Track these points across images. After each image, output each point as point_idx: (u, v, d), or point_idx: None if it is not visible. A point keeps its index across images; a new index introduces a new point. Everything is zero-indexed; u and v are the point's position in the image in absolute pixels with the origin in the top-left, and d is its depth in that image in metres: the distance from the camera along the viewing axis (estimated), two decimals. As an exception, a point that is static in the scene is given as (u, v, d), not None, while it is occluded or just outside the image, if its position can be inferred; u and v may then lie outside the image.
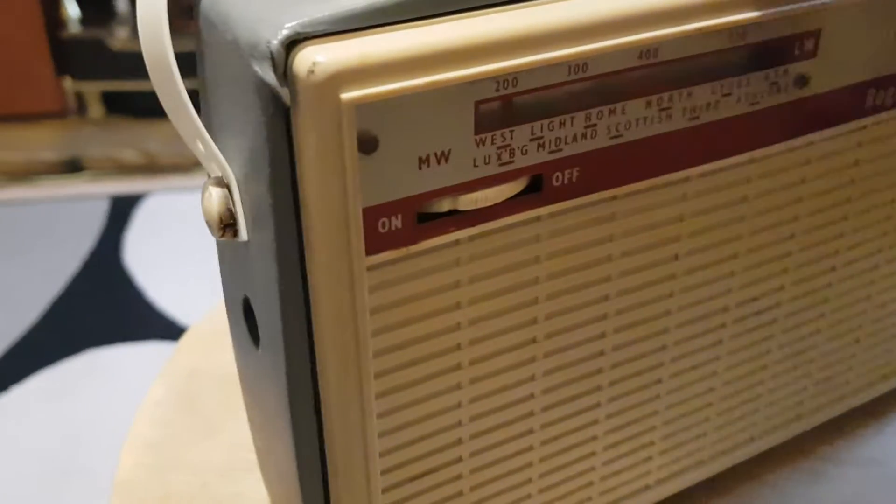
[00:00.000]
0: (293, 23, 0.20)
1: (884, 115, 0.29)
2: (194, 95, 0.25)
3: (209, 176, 0.24)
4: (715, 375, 0.31)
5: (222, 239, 0.24)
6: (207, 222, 0.24)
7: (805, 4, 0.25)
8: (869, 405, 0.37)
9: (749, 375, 0.32)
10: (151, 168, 1.41)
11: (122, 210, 1.33)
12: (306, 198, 0.21)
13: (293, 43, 0.20)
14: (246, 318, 0.27)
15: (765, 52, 0.25)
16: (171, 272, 1.18)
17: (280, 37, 0.19)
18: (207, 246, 1.21)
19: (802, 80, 0.26)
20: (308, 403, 0.24)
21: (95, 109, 1.50)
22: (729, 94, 0.25)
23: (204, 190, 0.24)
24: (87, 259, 1.23)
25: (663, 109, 0.24)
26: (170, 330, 1.08)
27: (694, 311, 0.29)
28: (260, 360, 0.26)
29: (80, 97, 1.49)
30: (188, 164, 1.41)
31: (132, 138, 1.44)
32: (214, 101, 0.24)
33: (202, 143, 0.23)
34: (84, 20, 1.47)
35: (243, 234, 0.23)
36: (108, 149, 1.42)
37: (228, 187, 0.23)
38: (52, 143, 1.45)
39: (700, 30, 0.23)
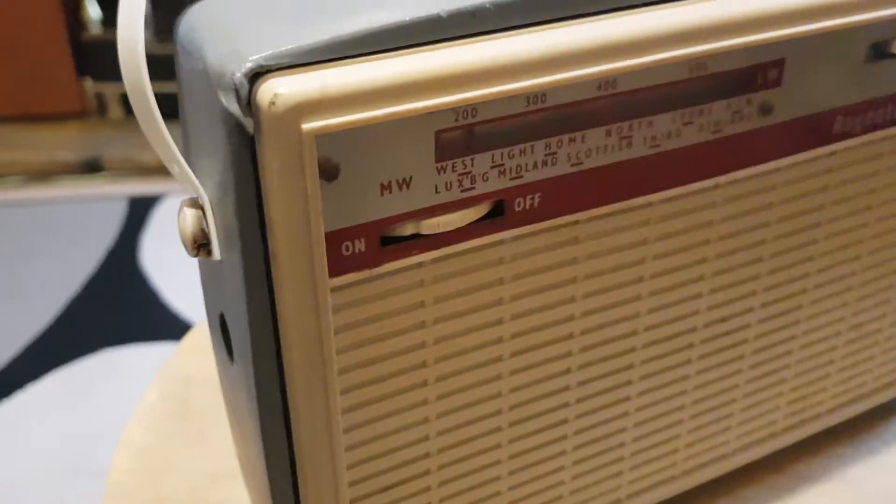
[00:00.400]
0: (257, 56, 0.20)
1: (852, 142, 0.30)
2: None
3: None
4: (684, 394, 0.31)
5: (197, 257, 0.25)
6: (182, 241, 0.25)
7: (767, 35, 0.25)
8: (845, 425, 0.38)
9: (720, 394, 0.32)
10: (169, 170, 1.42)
11: (139, 211, 1.35)
12: (271, 222, 0.22)
13: (256, 75, 0.20)
14: (223, 332, 0.28)
15: (727, 81, 0.26)
16: (186, 274, 1.19)
17: (243, 69, 0.20)
18: (223, 249, 1.22)
19: (766, 109, 0.27)
20: (277, 416, 0.25)
21: (115, 111, 1.52)
22: (690, 123, 0.26)
23: (179, 210, 0.25)
24: (104, 259, 1.24)
25: (624, 138, 0.25)
26: (184, 331, 1.10)
27: (661, 331, 0.29)
28: (235, 373, 0.27)
29: (100, 98, 1.50)
30: (206, 167, 1.42)
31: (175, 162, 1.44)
32: (190, 123, 0.25)
33: (177, 165, 0.24)
34: (105, 21, 1.48)
35: (216, 253, 0.24)
36: (127, 150, 1.44)
37: (202, 208, 0.24)
38: (72, 143, 1.47)
39: (658, 62, 0.24)
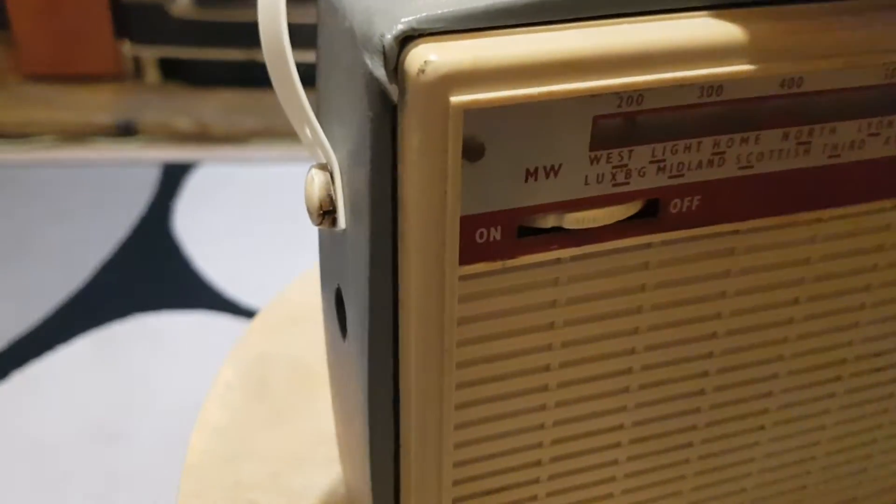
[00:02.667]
0: (409, 18, 0.19)
1: None
2: (311, 68, 0.25)
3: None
4: (823, 429, 0.29)
5: (320, 226, 0.23)
6: (307, 207, 0.23)
7: (981, 42, 0.22)
8: None
9: (859, 434, 0.29)
10: (204, 137, 1.41)
11: (173, 178, 1.33)
12: (405, 198, 0.20)
13: (407, 39, 0.19)
14: (337, 307, 0.26)
15: (927, 91, 0.23)
16: (219, 243, 1.18)
17: (394, 31, 0.19)
18: (257, 218, 1.20)
19: (967, 126, 0.24)
20: (387, 403, 0.24)
21: (152, 75, 1.51)
22: (877, 134, 0.23)
23: (308, 174, 0.23)
24: (137, 225, 1.24)
25: (801, 143, 0.22)
26: (215, 301, 1.08)
27: (808, 360, 0.27)
28: (346, 351, 0.26)
29: (137, 62, 1.50)
30: (242, 135, 1.40)
31: (187, 106, 1.44)
32: (326, 85, 0.24)
33: (309, 129, 0.22)
34: None
35: (341, 222, 0.23)
36: (162, 115, 1.43)
37: (332, 174, 0.23)
38: (107, 105, 1.48)
39: (850, 63, 0.21)
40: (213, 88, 1.47)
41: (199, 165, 1.36)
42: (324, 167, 0.23)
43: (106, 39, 1.48)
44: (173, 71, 1.51)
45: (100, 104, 1.49)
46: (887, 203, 0.24)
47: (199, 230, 1.21)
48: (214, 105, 1.44)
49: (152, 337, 1.06)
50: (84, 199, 1.30)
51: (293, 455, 0.36)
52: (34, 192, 1.33)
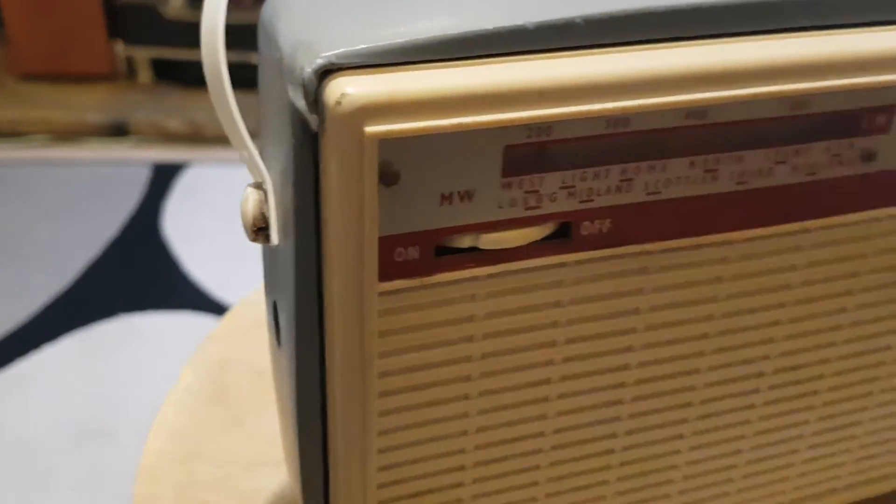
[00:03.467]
0: (328, 52, 0.20)
1: (964, 198, 0.27)
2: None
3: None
4: (742, 439, 0.30)
5: (255, 241, 0.25)
6: (243, 223, 0.24)
7: (881, 78, 0.23)
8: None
9: (784, 442, 0.31)
10: (195, 138, 1.41)
11: (163, 178, 1.33)
12: (326, 218, 0.21)
13: (326, 72, 0.20)
14: (275, 316, 0.28)
15: (829, 123, 0.24)
16: (207, 244, 1.18)
17: (314, 65, 0.20)
18: (245, 221, 1.21)
19: (869, 155, 0.25)
20: (315, 409, 0.25)
21: (144, 75, 1.51)
22: (783, 163, 0.24)
23: (244, 192, 0.24)
24: (126, 224, 1.24)
25: (708, 171, 0.23)
26: (202, 302, 1.09)
27: (726, 373, 0.28)
28: (281, 359, 0.27)
29: (130, 62, 1.50)
30: (232, 138, 1.41)
31: (179, 107, 1.44)
32: (265, 107, 0.25)
33: (246, 150, 0.24)
34: None
35: (274, 238, 0.24)
36: (154, 115, 1.43)
37: (266, 193, 0.24)
38: (100, 105, 1.48)
39: (755, 96, 0.22)
40: (205, 89, 1.46)
41: (190, 166, 1.37)
42: (259, 186, 0.24)
43: (99, 40, 1.48)
44: (166, 72, 1.51)
45: (92, 104, 1.49)
46: (796, 226, 0.25)
47: (187, 231, 1.22)
48: (206, 106, 1.45)
49: (138, 337, 1.07)
50: (75, 198, 1.31)
51: (247, 457, 0.37)
52: (26, 190, 1.34)
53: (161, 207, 1.28)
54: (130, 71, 1.52)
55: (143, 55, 1.50)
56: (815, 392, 0.30)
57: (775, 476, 0.32)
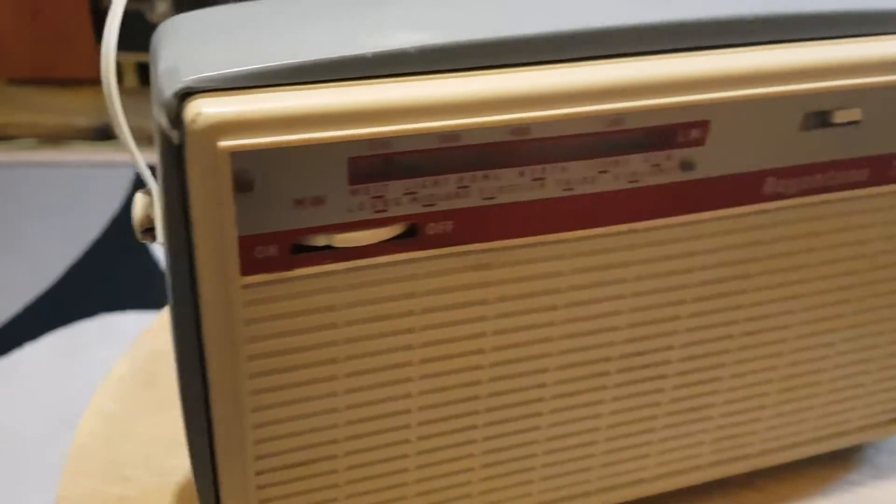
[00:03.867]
0: (188, 78, 0.23)
1: (786, 203, 0.31)
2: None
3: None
4: (599, 417, 0.33)
5: (143, 241, 0.28)
6: (133, 225, 0.28)
7: (690, 98, 0.27)
8: (760, 476, 0.39)
9: (636, 422, 0.34)
10: None
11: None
12: (193, 220, 0.25)
13: (186, 94, 0.23)
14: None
15: (645, 137, 0.27)
16: None
17: (174, 89, 0.23)
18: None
19: (688, 165, 0.28)
20: (199, 394, 0.28)
21: (130, 79, 1.54)
22: (606, 172, 0.27)
23: (135, 197, 0.28)
24: (109, 226, 1.27)
25: (536, 179, 0.27)
26: None
27: (575, 357, 0.31)
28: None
29: (116, 67, 1.53)
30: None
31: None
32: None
33: (136, 159, 0.27)
34: None
35: (159, 237, 0.27)
36: (139, 119, 1.47)
37: (152, 197, 0.27)
38: (86, 109, 1.51)
39: (569, 115, 0.26)
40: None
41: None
42: (148, 192, 0.28)
43: (86, 45, 1.51)
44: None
45: (79, 107, 1.52)
46: (624, 227, 0.29)
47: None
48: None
49: (117, 335, 1.10)
50: (60, 199, 1.34)
51: (168, 438, 0.41)
52: (12, 192, 1.36)
53: (144, 210, 1.30)
54: (117, 75, 1.55)
55: (130, 60, 1.52)
56: (664, 376, 0.33)
57: (636, 453, 0.35)
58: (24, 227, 1.28)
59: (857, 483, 0.40)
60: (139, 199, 0.27)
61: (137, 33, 1.48)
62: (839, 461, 0.41)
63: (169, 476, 0.39)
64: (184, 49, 0.25)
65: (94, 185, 1.39)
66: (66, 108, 1.51)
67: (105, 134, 1.49)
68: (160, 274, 1.18)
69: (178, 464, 0.39)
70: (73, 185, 1.39)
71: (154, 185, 0.27)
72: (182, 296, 0.26)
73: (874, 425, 0.40)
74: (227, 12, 0.27)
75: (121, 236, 1.26)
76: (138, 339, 0.47)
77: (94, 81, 1.55)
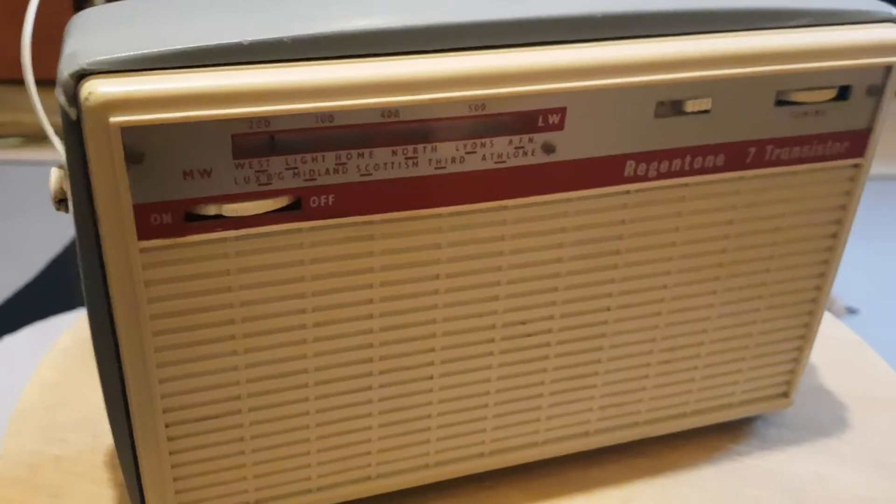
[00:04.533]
0: (83, 61, 0.26)
1: (647, 185, 0.34)
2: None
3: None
4: (487, 382, 0.36)
5: (59, 211, 0.31)
6: (50, 197, 0.31)
7: (547, 87, 0.30)
8: (652, 444, 0.42)
9: (525, 387, 0.37)
10: None
11: None
12: (94, 190, 0.28)
13: (82, 76, 0.26)
14: (89, 273, 0.34)
15: (506, 121, 0.30)
16: None
17: (71, 70, 0.26)
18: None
19: (550, 148, 0.32)
20: (110, 354, 0.31)
21: None
22: (473, 152, 0.31)
23: (51, 170, 0.31)
24: None
25: (409, 158, 0.30)
26: None
27: (459, 324, 0.34)
28: (91, 308, 0.33)
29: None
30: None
31: None
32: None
33: (51, 135, 0.30)
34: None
35: (71, 208, 0.31)
36: None
37: (65, 171, 0.30)
38: None
39: (435, 100, 0.29)
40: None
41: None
42: (62, 166, 0.31)
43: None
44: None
45: (61, 107, 1.56)
46: (496, 204, 0.32)
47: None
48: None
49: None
50: (42, 197, 1.37)
51: (104, 405, 0.44)
52: None
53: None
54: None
55: (36, 90, 1.56)
56: (547, 344, 0.36)
57: (526, 417, 0.38)
58: (5, 223, 1.31)
59: (744, 454, 0.43)
60: (54, 173, 0.30)
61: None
62: (729, 433, 0.44)
63: (102, 438, 0.42)
64: (85, 36, 0.28)
65: (77, 182, 1.42)
66: (49, 107, 1.55)
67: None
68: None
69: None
70: (55, 183, 1.42)
71: (66, 160, 0.30)
72: (90, 261, 0.29)
73: (760, 399, 0.43)
74: (132, 5, 0.30)
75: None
76: (82, 315, 0.50)
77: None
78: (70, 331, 0.49)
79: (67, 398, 0.44)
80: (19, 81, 1.58)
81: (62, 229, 1.30)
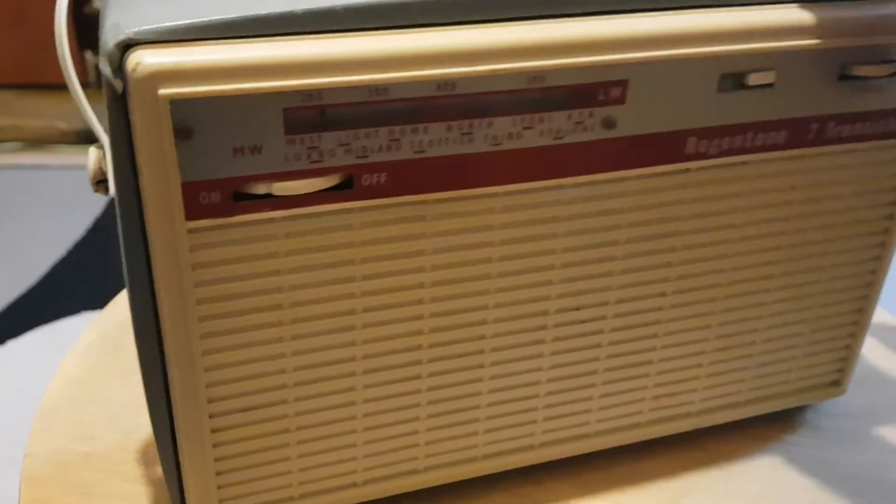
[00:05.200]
0: (129, 30, 0.25)
1: (707, 163, 0.33)
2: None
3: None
4: (539, 371, 0.35)
5: (97, 193, 0.30)
6: (89, 178, 0.30)
7: (607, 57, 0.29)
8: (704, 436, 0.40)
9: (576, 377, 0.36)
10: None
11: None
12: (140, 167, 0.26)
13: (128, 46, 0.25)
14: (127, 260, 0.33)
15: (566, 94, 0.29)
16: None
17: (116, 40, 0.25)
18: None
19: (610, 123, 0.30)
20: (152, 341, 0.30)
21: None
22: (531, 128, 0.29)
23: (89, 151, 0.30)
24: (92, 226, 1.30)
25: (465, 134, 0.29)
26: None
27: (512, 310, 0.33)
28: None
29: (99, 71, 1.57)
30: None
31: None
32: (108, 82, 0.30)
33: (86, 113, 0.29)
34: None
35: (111, 190, 0.29)
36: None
37: (104, 151, 0.29)
38: (70, 113, 1.54)
39: (491, 71, 0.28)
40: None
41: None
42: (100, 146, 0.29)
43: (70, 50, 1.54)
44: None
45: (63, 112, 1.55)
46: (551, 182, 0.31)
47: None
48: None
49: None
50: (44, 201, 1.37)
51: (132, 401, 0.42)
52: None
53: (125, 210, 1.33)
54: (100, 79, 1.58)
55: (73, 67, 1.55)
56: (601, 331, 0.35)
57: (577, 408, 0.37)
58: (8, 228, 1.31)
59: (798, 444, 0.41)
60: (92, 153, 0.29)
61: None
62: (780, 423, 0.43)
63: (133, 434, 0.41)
64: (127, 6, 0.27)
65: (76, 187, 1.41)
66: (49, 112, 1.55)
67: (88, 138, 1.52)
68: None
69: (142, 423, 0.41)
70: (56, 188, 1.41)
71: (106, 139, 0.29)
72: (133, 244, 0.28)
73: (813, 388, 0.41)
74: (174, -22, 0.29)
75: (103, 237, 1.29)
76: (106, 311, 0.49)
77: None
78: (94, 325, 0.48)
79: (95, 394, 0.43)
80: (19, 86, 1.58)
81: (65, 234, 1.30)
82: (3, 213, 1.35)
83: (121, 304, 0.49)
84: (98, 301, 1.17)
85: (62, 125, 1.52)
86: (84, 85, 1.58)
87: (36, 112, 1.56)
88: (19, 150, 1.52)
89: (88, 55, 1.58)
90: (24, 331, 1.12)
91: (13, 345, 1.10)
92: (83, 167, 1.46)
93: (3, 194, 1.40)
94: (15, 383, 1.04)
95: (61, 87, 1.58)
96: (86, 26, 1.53)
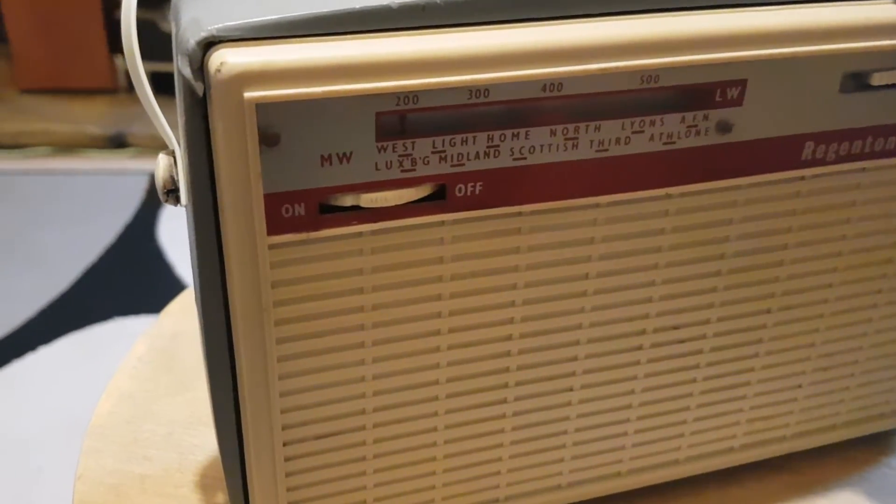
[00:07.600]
0: (211, 27, 0.23)
1: (824, 170, 0.30)
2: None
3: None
4: (631, 394, 0.32)
5: (167, 203, 0.27)
6: (157, 187, 0.27)
7: (728, 55, 0.26)
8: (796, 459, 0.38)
9: (670, 400, 0.33)
10: None
11: None
12: (219, 176, 0.24)
13: (210, 44, 0.23)
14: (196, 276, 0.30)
15: (681, 95, 0.27)
16: None
17: (198, 38, 0.23)
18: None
19: (726, 126, 0.28)
20: (224, 362, 0.28)
21: None
22: (641, 132, 0.27)
23: (157, 158, 0.27)
24: (123, 232, 1.29)
25: (569, 139, 0.26)
26: None
27: (607, 329, 0.30)
28: (199, 319, 0.30)
29: (129, 76, 1.56)
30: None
31: (176, 120, 1.50)
32: (176, 83, 0.28)
33: (156, 118, 0.26)
34: (139, 1, 1.54)
35: (183, 199, 0.27)
36: (152, 127, 1.49)
37: (175, 158, 0.27)
38: (100, 118, 1.53)
39: (602, 70, 0.25)
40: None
41: (188, 176, 1.42)
42: (170, 153, 0.27)
43: (100, 54, 1.54)
44: (165, 85, 1.56)
45: (93, 116, 1.54)
46: (660, 192, 0.28)
47: (182, 238, 1.26)
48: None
49: (130, 339, 1.10)
50: (74, 206, 1.36)
51: (188, 418, 0.40)
52: (28, 199, 1.38)
53: (157, 216, 1.33)
54: (130, 85, 1.58)
55: (144, 69, 1.55)
56: (699, 352, 0.32)
57: (669, 433, 0.34)
58: (39, 234, 1.30)
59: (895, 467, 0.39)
60: (162, 160, 0.27)
61: (151, 43, 1.51)
62: (877, 445, 0.40)
63: (191, 455, 0.38)
64: (206, 1, 0.24)
65: (107, 192, 1.40)
66: (79, 116, 1.54)
67: (118, 142, 1.51)
68: (173, 278, 1.19)
69: (200, 443, 0.39)
70: (86, 193, 1.40)
71: (176, 145, 0.27)
72: (208, 258, 0.26)
73: (914, 409, 0.38)
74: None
75: (134, 242, 1.28)
76: (157, 321, 0.47)
77: (108, 91, 1.58)
78: (145, 338, 0.45)
79: (148, 411, 0.41)
80: (49, 91, 1.57)
81: (95, 239, 1.28)
82: (34, 219, 1.34)
83: (172, 316, 0.46)
84: (128, 307, 1.15)
85: (92, 130, 1.51)
86: (113, 91, 1.57)
87: (66, 117, 1.56)
88: (49, 154, 1.51)
89: (119, 60, 1.57)
90: (55, 337, 1.11)
91: (44, 351, 1.09)
92: (113, 172, 1.45)
93: (33, 199, 1.39)
94: (46, 389, 1.03)
95: (91, 91, 1.58)
96: (117, 30, 1.52)
